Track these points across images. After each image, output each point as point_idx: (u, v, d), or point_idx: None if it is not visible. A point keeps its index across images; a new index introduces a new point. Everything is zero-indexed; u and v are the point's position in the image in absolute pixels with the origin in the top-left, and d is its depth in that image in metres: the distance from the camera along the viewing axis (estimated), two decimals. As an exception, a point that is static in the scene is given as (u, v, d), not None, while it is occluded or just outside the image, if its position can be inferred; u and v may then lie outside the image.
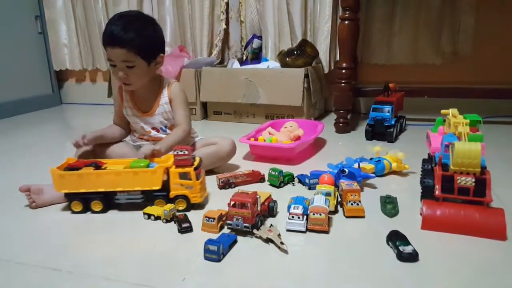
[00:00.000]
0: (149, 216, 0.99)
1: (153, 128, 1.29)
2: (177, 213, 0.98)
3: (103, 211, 1.04)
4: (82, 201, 1.04)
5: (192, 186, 1.02)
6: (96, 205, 1.04)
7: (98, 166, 1.07)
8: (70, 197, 1.05)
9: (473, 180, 0.89)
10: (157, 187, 1.02)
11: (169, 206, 0.98)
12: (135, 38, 1.13)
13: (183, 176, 1.02)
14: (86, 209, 1.04)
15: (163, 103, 1.26)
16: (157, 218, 0.98)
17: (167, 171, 1.04)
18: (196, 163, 1.04)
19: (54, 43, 2.72)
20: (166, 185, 1.03)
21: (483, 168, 0.90)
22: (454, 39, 2.04)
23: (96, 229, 0.98)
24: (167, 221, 0.97)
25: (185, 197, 1.02)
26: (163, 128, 1.29)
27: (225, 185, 1.20)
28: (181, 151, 1.01)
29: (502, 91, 1.87)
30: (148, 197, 1.04)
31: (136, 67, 1.16)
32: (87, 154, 1.22)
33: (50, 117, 2.52)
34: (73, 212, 1.05)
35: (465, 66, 2.07)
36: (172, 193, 1.03)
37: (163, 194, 1.03)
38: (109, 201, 1.05)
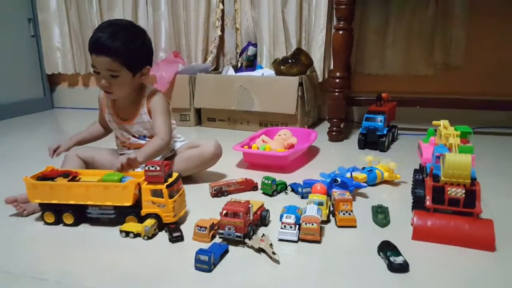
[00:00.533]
0: (127, 233, 0.93)
1: (133, 136, 1.27)
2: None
3: (75, 224, 1.00)
4: (55, 213, 1.00)
5: (164, 205, 0.95)
6: (68, 218, 1.00)
7: (71, 177, 1.03)
8: (43, 208, 1.01)
9: (463, 191, 0.90)
10: (128, 203, 0.97)
11: (150, 221, 0.93)
12: (122, 48, 1.11)
13: (155, 193, 0.95)
14: (58, 221, 1.01)
15: (142, 113, 1.23)
16: (137, 235, 0.93)
17: (139, 186, 0.98)
18: (171, 179, 0.97)
19: (46, 46, 2.70)
20: (139, 201, 0.98)
21: (473, 179, 0.91)
22: (446, 51, 2.07)
23: (81, 241, 0.95)
24: (149, 238, 0.92)
25: (156, 216, 0.96)
26: (142, 137, 1.27)
27: (217, 193, 1.19)
28: (152, 166, 0.95)
29: (493, 103, 1.89)
30: (120, 213, 0.99)
31: (120, 77, 1.14)
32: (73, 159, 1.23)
33: (41, 121, 2.49)
34: (46, 223, 1.02)
35: (457, 77, 2.10)
36: (144, 211, 0.97)
37: (135, 211, 0.98)
38: (81, 214, 1.00)
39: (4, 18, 2.47)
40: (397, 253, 0.82)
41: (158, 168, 0.95)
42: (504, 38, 2.00)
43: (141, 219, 0.97)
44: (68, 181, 1.01)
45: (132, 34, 1.16)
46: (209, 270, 0.79)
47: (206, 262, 0.79)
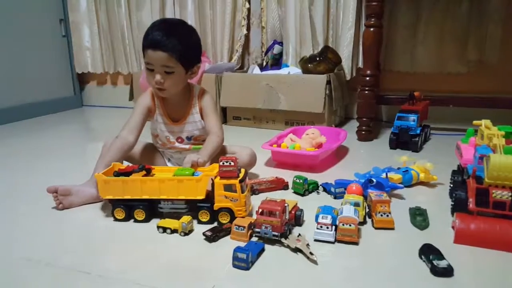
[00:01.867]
0: (164, 229, 0.94)
1: (178, 138, 1.27)
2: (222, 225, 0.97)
3: (146, 220, 1.01)
4: (126, 209, 1.01)
5: (237, 199, 0.97)
6: (139, 214, 1.01)
7: (146, 170, 1.05)
8: (114, 204, 1.02)
9: (510, 194, 0.86)
10: (201, 197, 0.99)
11: (187, 218, 0.94)
12: (179, 44, 1.12)
13: (228, 188, 0.97)
14: (129, 217, 1.02)
15: (194, 112, 1.25)
16: (174, 231, 0.94)
17: (212, 181, 1.00)
18: (241, 175, 0.99)
19: (77, 46, 2.76)
20: (210, 197, 1.00)
21: (520, 182, 0.87)
22: (480, 48, 1.99)
23: (121, 236, 0.97)
24: (185, 234, 0.93)
25: (229, 210, 0.97)
26: (189, 137, 1.27)
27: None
28: (226, 161, 0.97)
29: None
30: (192, 208, 1.00)
31: (175, 73, 1.15)
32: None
33: (71, 119, 2.55)
34: (116, 220, 1.02)
35: (491, 76, 2.02)
36: (216, 205, 0.98)
37: (207, 205, 0.99)
38: (153, 209, 1.02)
39: (36, 19, 2.54)
40: (441, 256, 0.79)
41: (232, 163, 0.97)
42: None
43: (213, 213, 0.99)
44: (143, 176, 1.03)
45: (186, 31, 1.18)
46: (247, 268, 0.79)
47: (244, 260, 0.78)
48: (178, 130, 1.26)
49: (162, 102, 1.25)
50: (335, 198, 1.15)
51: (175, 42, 1.12)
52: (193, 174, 1.01)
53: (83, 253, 0.88)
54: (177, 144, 1.28)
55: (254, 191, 1.20)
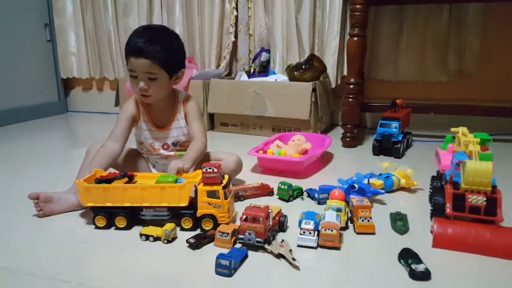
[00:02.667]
0: (147, 237, 0.94)
1: (164, 145, 1.27)
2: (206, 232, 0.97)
3: (127, 227, 1.00)
4: (107, 216, 1.00)
5: (220, 206, 0.97)
6: (120, 221, 1.00)
7: (129, 177, 1.05)
8: (95, 211, 1.01)
9: (484, 199, 0.89)
10: (184, 204, 0.98)
11: (170, 225, 0.94)
12: (161, 50, 1.13)
13: (211, 194, 0.97)
14: (110, 224, 1.01)
15: (179, 117, 1.26)
16: (157, 239, 0.94)
17: (195, 188, 1.00)
18: (224, 181, 1.00)
19: (62, 51, 2.74)
20: (193, 203, 1.00)
21: (494, 187, 0.90)
22: (460, 58, 2.06)
23: (102, 243, 0.96)
24: (168, 242, 0.93)
25: (212, 217, 0.98)
26: (175, 143, 1.28)
27: (234, 198, 1.20)
28: (210, 168, 0.97)
29: (507, 109, 1.88)
30: (175, 215, 1.00)
31: (158, 79, 1.15)
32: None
33: (55, 125, 2.53)
34: (97, 227, 1.02)
35: (471, 84, 2.09)
36: (199, 212, 0.98)
37: (190, 212, 0.99)
38: (134, 217, 1.02)
39: (21, 23, 2.51)
40: (419, 260, 0.82)
41: (215, 169, 0.97)
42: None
43: (196, 220, 0.99)
44: (126, 183, 1.03)
45: (169, 37, 1.19)
46: (230, 275, 0.79)
47: (227, 266, 0.79)
48: (163, 136, 1.27)
49: (147, 108, 1.25)
50: (319, 203, 1.17)
51: (158, 48, 1.12)
52: (176, 181, 1.01)
53: (63, 262, 0.88)
54: (162, 151, 1.28)
55: (239, 198, 1.21)
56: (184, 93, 1.30)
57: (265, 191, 1.25)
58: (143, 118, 1.25)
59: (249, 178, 1.41)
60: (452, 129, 1.14)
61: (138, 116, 1.25)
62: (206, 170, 0.98)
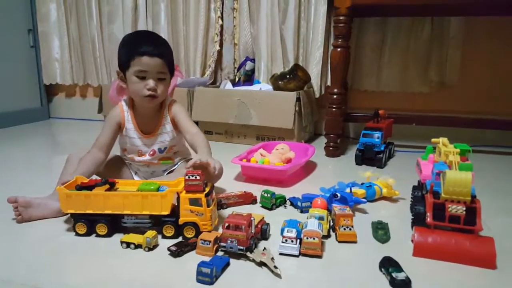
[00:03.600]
0: (128, 244, 0.93)
1: (150, 151, 1.26)
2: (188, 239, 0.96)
3: (108, 235, 0.99)
4: (87, 223, 0.99)
5: (202, 213, 0.96)
6: (101, 228, 0.99)
7: (110, 183, 1.04)
8: (75, 218, 1.00)
9: (464, 208, 0.90)
10: (166, 212, 0.98)
11: (151, 233, 0.93)
12: (167, 52, 1.19)
13: (194, 202, 0.97)
14: (90, 232, 0.99)
15: (165, 123, 1.25)
16: (138, 246, 0.92)
17: (177, 196, 0.99)
18: (207, 189, 0.99)
19: (45, 57, 2.71)
20: (175, 211, 0.99)
21: (473, 197, 0.92)
22: (441, 70, 2.11)
23: (83, 251, 0.94)
24: (150, 249, 0.92)
25: (194, 225, 0.97)
26: (161, 149, 1.27)
27: (217, 206, 1.19)
28: (192, 175, 0.97)
29: (487, 121, 1.93)
30: (156, 222, 0.99)
31: (166, 80, 1.19)
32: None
33: (37, 131, 2.48)
34: (77, 234, 1.00)
35: (452, 96, 2.14)
36: (182, 220, 0.97)
37: (172, 219, 0.98)
38: (115, 224, 1.00)
39: (4, 28, 2.48)
40: (399, 269, 0.82)
41: (198, 177, 0.97)
42: (498, 58, 2.04)
43: (178, 228, 0.98)
44: (107, 190, 1.01)
45: (166, 41, 1.25)
46: (211, 283, 0.78)
47: (208, 274, 0.78)
48: (150, 143, 1.26)
49: (133, 115, 1.24)
50: (301, 212, 1.17)
51: (166, 49, 1.18)
52: (158, 189, 1.00)
53: (43, 269, 0.85)
54: (147, 157, 1.27)
55: (222, 206, 1.20)
56: (170, 98, 1.30)
57: (248, 199, 1.24)
58: (128, 125, 1.24)
59: (232, 186, 1.40)
60: (433, 140, 1.16)
61: (123, 124, 1.24)
62: (189, 177, 0.97)
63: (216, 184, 1.36)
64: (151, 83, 1.15)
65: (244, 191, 1.25)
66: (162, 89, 1.18)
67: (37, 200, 1.09)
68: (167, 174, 1.30)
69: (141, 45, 1.14)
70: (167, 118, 1.26)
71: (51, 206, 1.09)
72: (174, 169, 1.32)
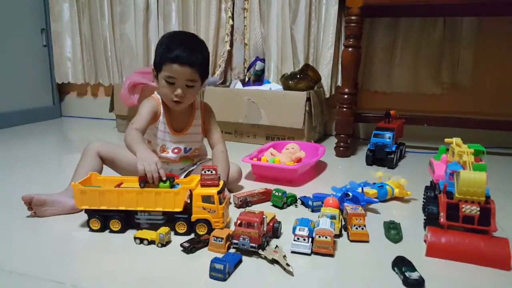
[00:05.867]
0: (141, 240, 0.94)
1: (175, 149, 1.26)
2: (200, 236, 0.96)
3: (122, 231, 1.00)
4: (101, 219, 1.00)
5: (215, 211, 0.97)
6: (115, 224, 1.00)
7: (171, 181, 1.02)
8: (90, 214, 1.01)
9: (478, 208, 0.90)
10: (179, 209, 0.98)
11: (164, 229, 0.94)
12: (202, 59, 1.17)
13: (206, 199, 0.97)
14: (104, 227, 1.00)
15: (196, 124, 1.27)
16: (151, 242, 0.93)
17: (190, 192, 1.00)
18: (219, 187, 1.00)
19: (58, 56, 2.74)
20: (188, 208, 1.00)
21: (487, 197, 0.91)
22: (453, 71, 2.09)
23: (97, 246, 0.96)
24: (163, 246, 0.93)
25: (206, 222, 0.98)
26: (187, 149, 1.28)
27: (242, 204, 1.20)
28: (208, 170, 0.98)
29: (498, 123, 1.91)
30: (169, 219, 1.00)
31: (195, 87, 1.18)
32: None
33: (49, 129, 2.51)
34: (91, 230, 1.01)
35: (464, 97, 2.12)
36: (194, 217, 0.98)
37: (184, 216, 0.99)
38: (129, 220, 1.01)
39: (17, 27, 2.51)
40: (413, 268, 0.82)
41: (213, 171, 0.98)
42: (510, 59, 2.02)
43: (190, 225, 0.99)
44: (120, 186, 1.02)
45: (204, 47, 1.21)
46: (224, 279, 0.79)
47: (221, 270, 0.78)
48: (178, 140, 1.26)
49: (167, 112, 1.25)
50: (312, 211, 1.17)
51: (200, 58, 1.16)
52: (171, 187, 1.00)
53: (57, 263, 0.87)
54: (170, 155, 1.27)
55: (247, 203, 1.21)
56: (199, 100, 1.31)
57: (269, 196, 1.25)
58: (162, 119, 1.24)
59: (244, 184, 1.40)
60: (446, 140, 1.15)
61: (158, 116, 1.23)
62: (205, 172, 0.99)
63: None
64: (179, 91, 1.15)
65: (265, 188, 1.26)
66: (189, 95, 1.18)
67: (51, 198, 1.10)
68: (185, 176, 1.30)
69: (174, 50, 1.13)
70: (198, 120, 1.27)
71: (65, 204, 1.10)
72: (192, 169, 1.32)
